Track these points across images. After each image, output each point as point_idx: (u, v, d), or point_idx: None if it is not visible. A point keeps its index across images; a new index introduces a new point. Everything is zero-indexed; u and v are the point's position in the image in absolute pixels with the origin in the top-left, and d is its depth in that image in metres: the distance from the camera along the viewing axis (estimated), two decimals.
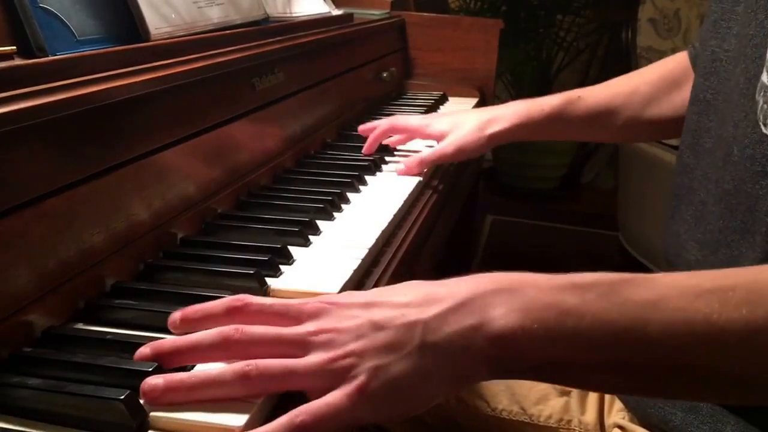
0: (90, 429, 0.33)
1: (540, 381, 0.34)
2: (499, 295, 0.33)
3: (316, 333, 0.34)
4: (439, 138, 0.73)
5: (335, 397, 0.32)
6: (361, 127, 0.79)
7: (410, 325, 0.33)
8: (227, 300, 0.36)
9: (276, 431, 0.31)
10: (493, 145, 0.72)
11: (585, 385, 0.39)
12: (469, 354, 0.32)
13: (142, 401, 0.33)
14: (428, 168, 0.72)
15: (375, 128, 0.77)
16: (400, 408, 0.33)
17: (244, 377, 0.33)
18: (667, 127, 0.68)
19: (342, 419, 0.32)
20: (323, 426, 0.31)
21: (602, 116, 0.69)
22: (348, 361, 0.32)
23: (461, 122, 0.72)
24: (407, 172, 0.71)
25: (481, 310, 0.33)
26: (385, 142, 0.78)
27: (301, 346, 0.34)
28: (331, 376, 0.32)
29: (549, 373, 0.33)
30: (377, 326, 0.33)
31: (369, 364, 0.32)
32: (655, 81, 0.67)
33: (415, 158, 0.71)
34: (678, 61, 0.67)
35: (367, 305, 0.34)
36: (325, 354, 0.33)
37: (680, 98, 0.65)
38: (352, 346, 0.33)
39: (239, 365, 0.33)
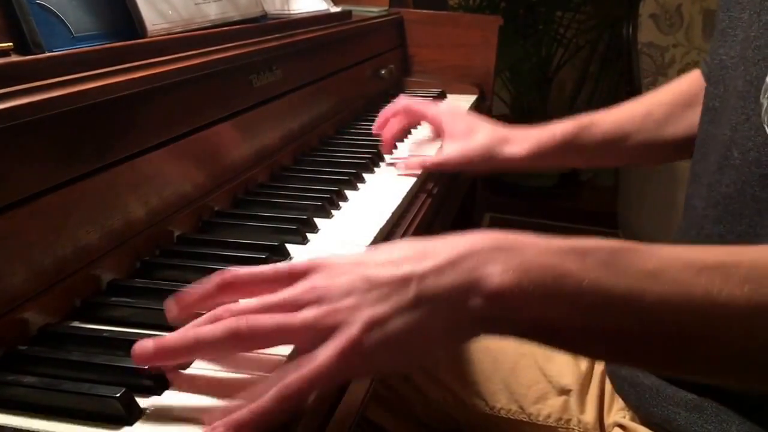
0: (86, 419, 0.33)
1: (533, 342, 0.33)
2: (498, 253, 0.32)
3: (307, 291, 0.33)
4: (448, 136, 0.70)
5: (325, 353, 0.31)
6: (375, 127, 0.77)
7: (404, 279, 0.32)
8: (217, 276, 0.36)
9: (267, 407, 0.30)
10: (502, 170, 0.68)
11: (578, 350, 0.38)
12: (464, 309, 0.32)
13: (140, 398, 0.33)
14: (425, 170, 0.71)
15: (387, 116, 0.75)
16: (391, 361, 0.33)
17: (234, 334, 0.32)
18: (684, 146, 0.65)
19: (334, 375, 0.31)
20: (314, 385, 0.31)
21: (616, 141, 0.66)
22: (341, 315, 0.32)
23: (475, 131, 0.68)
24: (406, 172, 0.70)
25: (477, 265, 0.32)
26: (404, 168, 0.73)
27: (292, 305, 0.33)
28: (323, 331, 0.32)
29: (542, 335, 0.33)
30: (370, 281, 0.32)
31: (362, 317, 0.31)
32: (669, 101, 0.66)
33: (417, 160, 0.70)
34: (691, 80, 0.65)
35: (360, 262, 0.34)
36: (317, 309, 0.32)
37: (695, 117, 0.63)
38: (345, 302, 0.32)
39: (230, 321, 0.32)
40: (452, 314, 0.32)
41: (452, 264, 0.32)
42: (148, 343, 0.33)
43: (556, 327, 0.32)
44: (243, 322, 0.32)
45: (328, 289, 0.33)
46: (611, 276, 0.31)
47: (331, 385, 0.32)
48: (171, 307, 0.37)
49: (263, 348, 0.34)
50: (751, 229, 0.43)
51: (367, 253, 0.35)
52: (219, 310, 0.34)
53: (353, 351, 0.31)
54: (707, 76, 0.60)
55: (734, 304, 0.30)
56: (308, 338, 0.32)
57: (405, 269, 0.33)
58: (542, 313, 0.32)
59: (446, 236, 0.34)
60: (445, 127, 0.71)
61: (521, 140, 0.67)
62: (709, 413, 0.45)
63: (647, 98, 0.69)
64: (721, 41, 0.50)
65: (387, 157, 0.76)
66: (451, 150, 0.69)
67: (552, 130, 0.67)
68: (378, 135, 0.77)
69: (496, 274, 0.31)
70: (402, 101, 0.76)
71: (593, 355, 0.51)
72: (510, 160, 0.67)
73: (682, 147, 0.66)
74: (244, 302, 0.34)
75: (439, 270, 0.32)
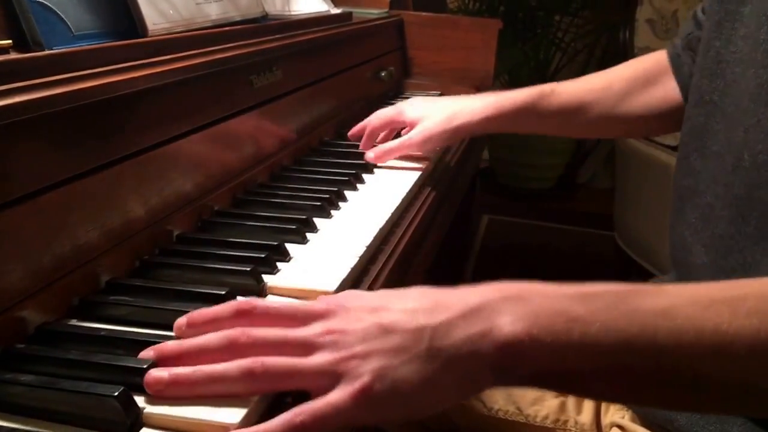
0: (83, 426, 0.32)
1: (546, 389, 0.34)
2: (507, 303, 0.33)
3: (322, 334, 0.34)
4: (411, 125, 0.73)
5: (337, 396, 0.32)
6: (351, 132, 0.79)
7: (418, 330, 0.33)
8: (234, 303, 0.37)
9: (274, 431, 0.31)
10: (461, 138, 0.71)
11: (591, 395, 0.39)
12: (476, 360, 0.32)
13: (138, 397, 0.33)
14: (397, 157, 0.72)
15: (365, 127, 0.77)
16: (401, 411, 0.33)
17: (249, 374, 0.33)
18: (638, 125, 0.68)
19: (342, 419, 0.32)
20: (323, 426, 0.31)
21: (574, 111, 0.68)
22: (354, 362, 0.32)
23: (431, 111, 0.72)
24: (376, 161, 0.72)
25: (489, 317, 0.33)
26: (371, 158, 0.75)
27: (307, 347, 0.34)
28: (335, 377, 0.32)
29: (555, 382, 0.33)
30: (385, 329, 0.33)
31: (374, 365, 0.32)
32: (630, 78, 0.67)
33: (382, 148, 0.72)
34: (656, 60, 0.66)
35: (376, 309, 0.34)
36: (331, 355, 0.33)
37: (655, 96, 0.65)
38: (359, 348, 0.33)
39: (245, 362, 0.33)
40: (464, 367, 0.32)
41: (464, 317, 0.33)
42: (162, 373, 0.33)
43: (570, 373, 0.32)
44: (258, 363, 0.33)
45: (343, 333, 0.33)
46: (621, 318, 0.32)
47: (337, 426, 0.32)
48: (180, 324, 0.37)
49: (276, 389, 0.35)
50: (758, 232, 0.43)
51: (384, 299, 0.36)
52: (236, 332, 0.34)
53: (363, 397, 0.31)
54: (675, 64, 0.61)
55: (743, 336, 0.31)
56: (321, 382, 0.33)
57: (419, 321, 0.33)
58: (554, 359, 0.32)
59: (458, 288, 0.35)
60: (408, 119, 0.73)
61: (478, 108, 0.69)
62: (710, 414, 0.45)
63: (608, 72, 0.70)
64: (717, 33, 0.50)
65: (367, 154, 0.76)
66: (412, 133, 0.72)
67: (512, 96, 0.69)
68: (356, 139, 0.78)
69: (507, 324, 0.32)
70: (368, 121, 0.77)
71: (607, 398, 0.52)
72: (465, 127, 0.69)
73: (637, 125, 0.68)
74: (262, 330, 0.34)
75: (451, 323, 0.33)
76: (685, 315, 0.32)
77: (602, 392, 0.36)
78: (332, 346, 0.33)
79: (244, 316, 0.36)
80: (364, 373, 0.32)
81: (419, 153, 0.74)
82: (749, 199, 0.44)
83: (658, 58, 0.66)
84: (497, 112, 0.69)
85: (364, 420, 0.32)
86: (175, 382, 0.33)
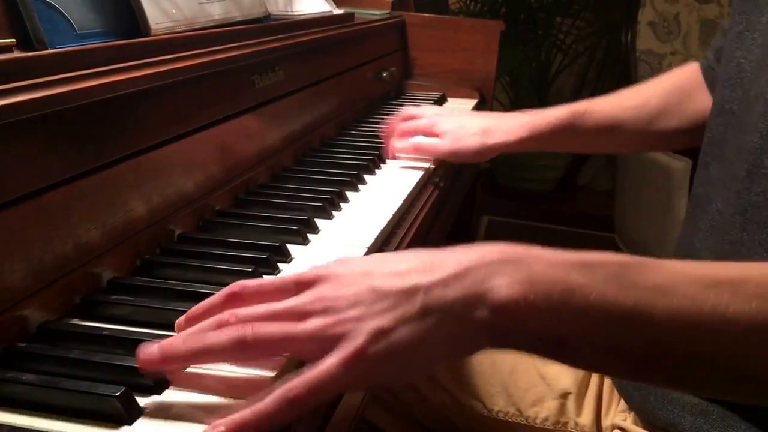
0: (85, 417, 0.32)
1: (538, 355, 0.33)
2: (505, 265, 0.32)
3: (313, 301, 0.33)
4: (441, 136, 0.73)
5: (330, 362, 0.31)
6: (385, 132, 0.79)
7: (411, 290, 0.32)
8: (225, 289, 0.36)
9: (269, 409, 0.30)
10: (494, 155, 0.71)
11: (584, 364, 0.38)
12: (470, 321, 0.32)
13: (140, 397, 0.33)
14: (419, 157, 0.73)
15: (394, 129, 0.77)
16: (396, 373, 0.33)
17: (240, 342, 0.32)
18: (675, 139, 0.67)
19: (338, 385, 0.31)
20: (319, 394, 0.31)
21: (609, 129, 0.68)
22: (347, 326, 0.32)
23: (465, 125, 0.72)
24: (399, 152, 0.73)
25: (485, 278, 0.32)
26: (396, 146, 0.76)
27: (298, 315, 0.33)
28: (329, 342, 0.32)
29: (548, 349, 0.33)
30: (377, 292, 0.32)
31: (367, 327, 0.31)
32: (664, 93, 0.67)
33: (409, 143, 0.73)
34: (689, 73, 0.66)
35: (367, 273, 0.34)
36: (323, 320, 0.32)
37: (690, 110, 0.64)
38: (352, 312, 0.32)
39: (236, 330, 0.32)
40: (458, 326, 0.32)
41: (459, 276, 0.32)
42: (152, 348, 0.33)
43: (563, 341, 0.32)
44: (249, 330, 0.32)
45: (334, 299, 0.33)
46: (619, 290, 0.31)
47: (333, 393, 0.32)
48: (180, 322, 0.37)
49: (268, 356, 0.34)
50: None
51: (373, 263, 0.35)
52: (225, 315, 0.34)
53: (358, 360, 0.31)
54: (708, 77, 0.60)
55: (742, 319, 0.30)
56: (313, 348, 0.32)
57: (412, 281, 0.33)
58: (549, 326, 0.32)
59: (453, 248, 0.34)
60: (438, 131, 0.73)
61: (511, 127, 0.69)
62: (715, 417, 0.45)
63: (642, 88, 0.70)
64: (739, 44, 0.50)
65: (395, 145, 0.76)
66: (442, 141, 0.72)
67: (546, 115, 0.69)
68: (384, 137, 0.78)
69: (503, 286, 0.32)
70: (405, 110, 0.78)
71: (599, 370, 0.51)
72: (500, 146, 0.70)
73: (674, 140, 0.67)
74: (251, 308, 0.34)
75: (445, 282, 0.32)
76: (684, 293, 0.31)
77: (595, 363, 0.35)
78: (324, 312, 0.33)
79: (236, 299, 0.35)
80: (358, 336, 0.31)
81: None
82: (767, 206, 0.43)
83: (692, 71, 0.66)
84: (532, 132, 0.69)
85: (360, 385, 0.32)
86: (165, 356, 0.33)
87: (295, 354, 0.33)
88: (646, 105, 0.67)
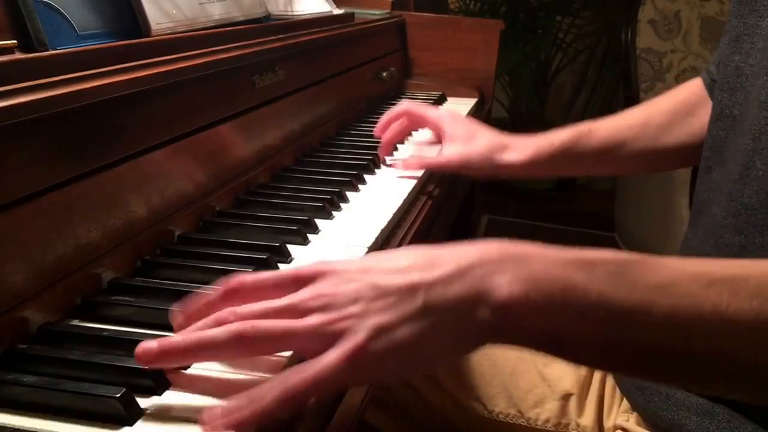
0: (85, 418, 0.32)
1: (540, 353, 0.33)
2: (506, 263, 0.32)
3: (313, 298, 0.33)
4: (448, 139, 0.71)
5: (330, 357, 0.31)
6: (377, 130, 0.77)
7: (412, 287, 0.32)
8: (223, 285, 0.36)
9: (268, 405, 0.30)
10: (502, 176, 0.68)
11: (585, 362, 0.38)
12: (471, 319, 0.32)
13: (141, 398, 0.33)
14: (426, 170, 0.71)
15: (390, 119, 0.75)
16: (396, 370, 0.32)
17: (239, 338, 0.32)
18: (679, 156, 0.66)
19: (337, 381, 0.31)
20: (317, 390, 0.31)
21: (613, 148, 0.66)
22: (347, 322, 0.32)
23: (476, 136, 0.68)
24: (406, 169, 0.70)
25: (485, 276, 0.32)
26: (404, 166, 0.73)
27: (297, 311, 0.33)
28: (329, 338, 0.32)
29: (549, 346, 0.33)
30: (377, 289, 0.32)
31: (368, 324, 0.31)
32: (668, 110, 0.65)
33: (416, 159, 0.71)
34: (692, 89, 0.65)
35: (367, 270, 0.34)
36: (323, 316, 0.32)
37: (696, 124, 0.63)
38: (352, 308, 0.32)
39: (235, 325, 0.32)
40: (459, 324, 0.32)
41: (460, 274, 0.32)
42: (151, 344, 0.33)
43: (563, 338, 0.32)
44: (249, 326, 0.32)
45: (334, 295, 0.33)
46: (620, 288, 0.31)
47: (333, 389, 0.32)
48: (176, 315, 0.37)
49: (268, 353, 0.34)
50: None
51: (374, 260, 0.35)
52: (224, 313, 0.34)
53: (358, 357, 0.31)
54: (711, 90, 0.60)
55: (742, 318, 0.30)
56: (313, 344, 0.32)
57: (413, 278, 0.32)
58: (549, 324, 0.32)
59: (454, 245, 0.34)
60: (446, 130, 0.71)
61: (520, 148, 0.67)
62: (721, 419, 0.45)
63: (646, 106, 0.69)
64: (736, 47, 0.50)
65: (387, 158, 0.76)
66: (451, 152, 0.69)
67: (550, 138, 0.67)
68: (379, 137, 0.77)
69: (504, 284, 0.31)
70: (404, 105, 0.76)
71: (600, 367, 0.51)
72: (508, 166, 0.67)
73: (679, 156, 0.66)
74: (250, 305, 0.34)
75: (447, 279, 0.32)
76: (684, 292, 0.31)
77: (595, 360, 0.35)
78: (324, 307, 0.32)
79: (235, 295, 0.35)
80: (358, 332, 0.31)
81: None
82: (763, 208, 0.43)
83: (694, 86, 0.65)
84: (537, 154, 0.66)
85: (360, 380, 0.32)
86: (164, 352, 0.33)
87: (295, 350, 0.33)
88: (650, 122, 0.66)
